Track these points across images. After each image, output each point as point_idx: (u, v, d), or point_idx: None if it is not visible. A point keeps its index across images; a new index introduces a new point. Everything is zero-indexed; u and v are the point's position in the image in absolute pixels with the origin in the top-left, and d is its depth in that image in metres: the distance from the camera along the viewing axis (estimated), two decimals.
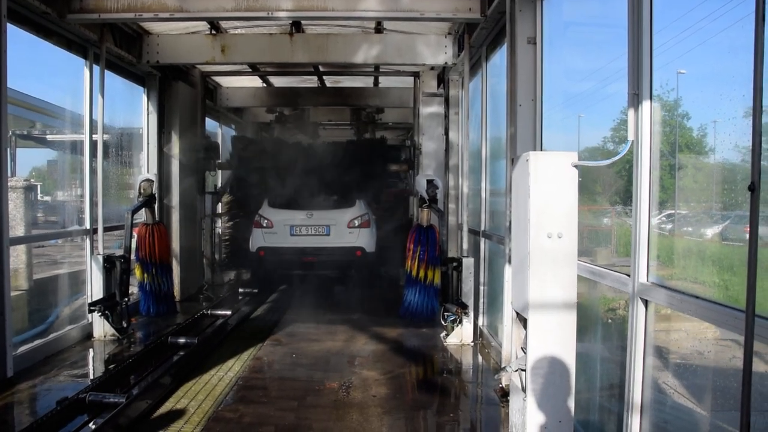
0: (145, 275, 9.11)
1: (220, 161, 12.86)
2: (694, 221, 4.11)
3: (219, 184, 13.37)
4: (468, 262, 7.82)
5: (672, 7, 4.00)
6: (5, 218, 5.96)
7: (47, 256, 12.16)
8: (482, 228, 7.99)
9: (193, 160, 11.36)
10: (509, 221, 5.67)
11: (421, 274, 8.96)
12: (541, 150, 5.46)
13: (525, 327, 3.78)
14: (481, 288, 8.06)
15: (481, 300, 8.07)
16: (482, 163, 7.99)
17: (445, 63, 9.33)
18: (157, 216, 9.80)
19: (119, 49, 8.68)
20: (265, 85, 13.66)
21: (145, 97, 10.10)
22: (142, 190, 8.78)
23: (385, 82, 13.56)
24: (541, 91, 5.47)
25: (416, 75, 11.70)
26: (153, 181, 8.80)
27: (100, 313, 7.60)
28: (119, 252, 8.27)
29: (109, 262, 7.90)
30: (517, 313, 3.92)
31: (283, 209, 12.09)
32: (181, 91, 10.60)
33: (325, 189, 12.08)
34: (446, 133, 10.30)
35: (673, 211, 4.26)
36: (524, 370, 3.78)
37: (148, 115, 10.12)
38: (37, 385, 6.11)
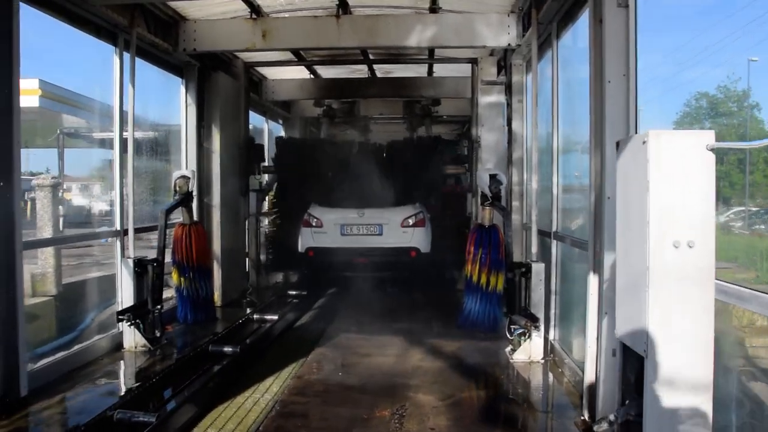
0: (182, 279, 8.47)
1: (264, 164, 12.12)
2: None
3: (264, 181, 12.66)
4: (538, 268, 6.85)
5: None
6: (17, 221, 5.32)
7: (91, 256, 11.75)
8: (553, 229, 7.01)
9: (236, 157, 10.68)
10: (594, 221, 4.71)
11: (483, 279, 8.03)
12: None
13: (637, 363, 2.84)
14: (552, 297, 7.07)
15: (552, 311, 7.09)
16: (552, 155, 7.00)
17: (508, 45, 8.35)
18: (195, 215, 9.20)
19: (153, 36, 8.03)
20: (312, 76, 12.92)
21: (183, 89, 9.46)
22: (177, 188, 8.12)
23: (439, 71, 12.64)
24: (635, 64, 4.48)
25: (474, 62, 10.76)
26: (189, 178, 8.12)
27: (129, 323, 6.94)
28: (153, 254, 7.63)
29: (140, 267, 7.24)
30: (624, 345, 2.98)
31: (334, 208, 11.36)
32: (222, 83, 9.92)
33: (377, 187, 11.30)
34: (509, 123, 9.31)
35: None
36: (637, 420, 2.84)
37: (186, 107, 9.47)
38: (52, 407, 5.45)
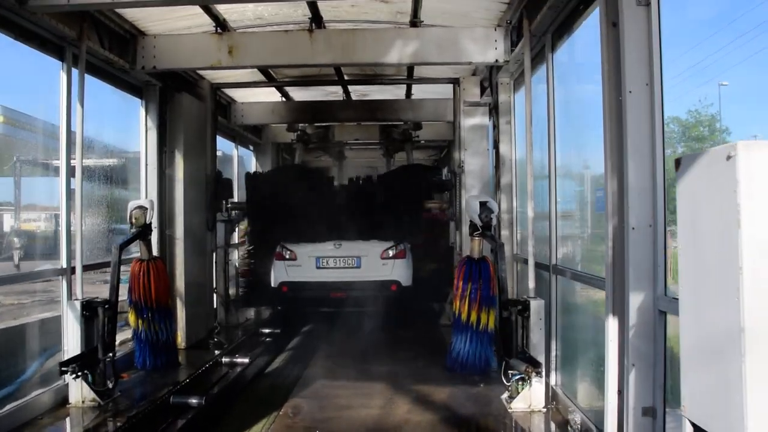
0: (140, 321, 7.60)
1: (233, 200, 11.30)
2: None
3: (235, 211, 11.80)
4: (537, 306, 6.15)
5: None
6: None
7: (46, 293, 10.77)
8: (552, 261, 6.32)
9: (203, 185, 9.88)
10: (613, 254, 4.02)
11: (473, 317, 7.31)
12: (663, 154, 3.82)
13: None
14: (553, 337, 6.35)
15: (553, 353, 6.36)
16: (549, 180, 6.34)
17: (495, 61, 7.75)
18: (155, 250, 8.38)
19: (108, 52, 7.27)
20: (283, 99, 12.22)
21: (142, 111, 8.68)
22: (134, 220, 7.30)
23: (418, 93, 12.04)
24: (660, 71, 3.85)
25: (455, 82, 10.17)
26: (147, 209, 7.29)
27: (74, 375, 6.04)
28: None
29: (89, 309, 6.37)
30: (696, 427, 2.26)
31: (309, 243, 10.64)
32: (186, 105, 9.16)
33: (354, 220, 10.58)
34: (495, 146, 8.68)
35: None
36: None
37: (146, 131, 8.68)
38: None
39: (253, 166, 15.08)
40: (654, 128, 3.81)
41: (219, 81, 10.35)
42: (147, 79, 8.37)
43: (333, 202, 10.79)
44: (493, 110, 8.73)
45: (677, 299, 3.74)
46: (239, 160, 14.28)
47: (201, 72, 9.86)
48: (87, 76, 7.14)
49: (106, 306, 6.47)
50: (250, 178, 11.52)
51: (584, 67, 6.06)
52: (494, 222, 7.08)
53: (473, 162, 9.70)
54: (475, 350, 7.37)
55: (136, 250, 7.83)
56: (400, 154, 16.19)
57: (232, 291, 11.75)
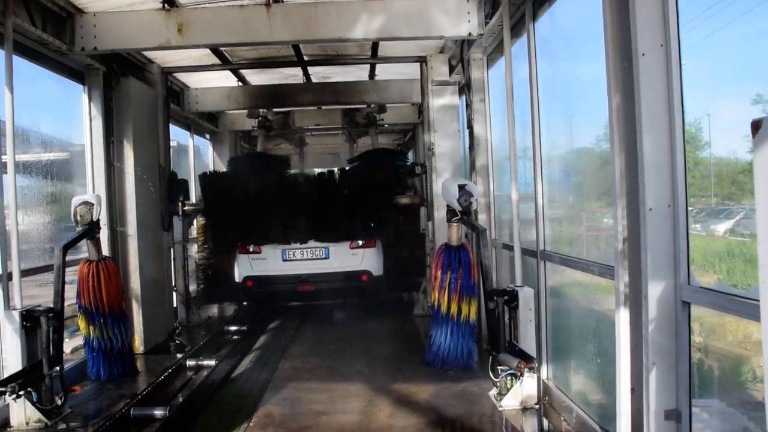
0: (91, 328, 6.93)
1: (190, 203, 10.43)
2: None
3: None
4: (526, 295, 5.70)
5: None
6: None
7: None
8: (540, 247, 5.87)
9: (156, 176, 9.18)
10: (626, 240, 3.57)
11: (453, 308, 6.84)
12: (683, 126, 3.37)
13: None
14: (543, 328, 5.92)
15: (544, 344, 5.94)
16: (535, 160, 5.87)
17: (469, 34, 7.24)
18: (106, 249, 7.71)
19: (41, 31, 6.53)
20: (240, 83, 11.53)
21: (85, 97, 7.93)
22: (78, 217, 6.61)
23: (382, 73, 11.48)
24: (677, 30, 3.38)
25: (423, 60, 9.65)
26: (93, 205, 6.60)
27: (13, 395, 5.37)
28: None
29: (30, 320, 5.69)
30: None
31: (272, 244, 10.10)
32: (134, 91, 8.43)
33: (320, 219, 10.03)
34: (469, 126, 8.19)
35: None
36: None
37: (90, 120, 7.93)
38: None
39: (210, 155, 14.35)
40: (671, 96, 3.35)
41: (170, 65, 9.62)
42: (89, 63, 7.63)
43: (296, 201, 10.12)
44: (465, 88, 8.23)
45: (705, 289, 3.34)
46: (195, 150, 13.54)
47: (149, 55, 9.14)
48: (20, 60, 6.46)
49: (50, 314, 5.80)
50: (206, 180, 10.66)
51: (572, 36, 5.59)
52: (474, 206, 6.61)
53: (444, 144, 9.23)
54: (456, 344, 6.92)
55: (86, 251, 7.15)
56: (363, 139, 15.72)
57: (192, 288, 11.10)
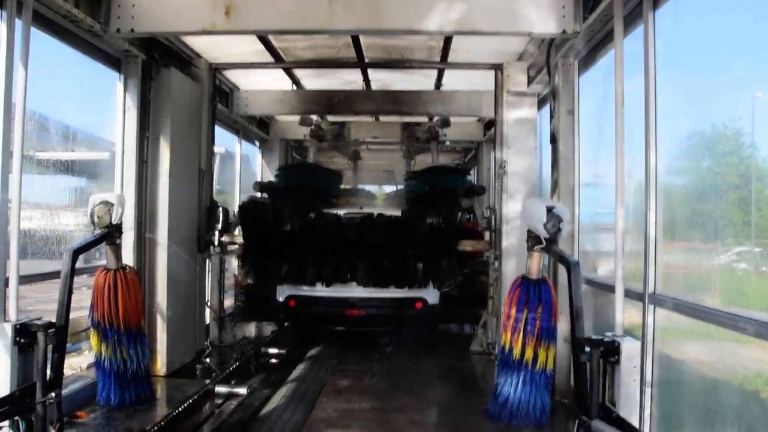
0: (103, 346, 6.01)
1: (225, 234, 9.03)
2: None
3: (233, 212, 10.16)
4: (631, 349, 4.50)
5: None
6: None
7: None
8: (648, 289, 4.68)
9: (195, 180, 8.32)
10: None
11: (529, 354, 5.66)
12: None
13: None
14: (648, 393, 4.70)
15: (647, 410, 4.71)
16: (647, 182, 4.71)
17: (563, 31, 6.14)
18: (131, 257, 6.85)
19: (74, 7, 5.72)
20: (294, 87, 10.65)
21: (120, 86, 7.10)
22: (96, 219, 5.74)
23: (449, 84, 10.45)
24: None
25: (498, 69, 8.56)
26: (113, 205, 5.72)
27: None
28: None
29: (25, 335, 4.79)
30: None
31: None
32: (176, 84, 7.60)
33: (372, 256, 8.93)
34: (553, 141, 7.06)
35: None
36: None
37: (124, 112, 7.10)
38: None
39: (258, 164, 13.53)
40: None
41: (219, 60, 8.79)
42: (126, 48, 6.81)
43: (346, 242, 8.86)
44: (551, 98, 7.11)
45: None
46: (243, 158, 12.73)
47: (197, 48, 8.34)
48: (48, 39, 5.67)
49: (50, 330, 4.88)
50: (246, 210, 9.31)
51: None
52: (563, 234, 5.44)
53: (518, 162, 8.12)
54: (528, 395, 5.72)
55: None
56: (421, 156, 14.69)
57: (228, 303, 10.16)
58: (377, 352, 9.33)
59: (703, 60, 4.79)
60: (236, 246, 9.27)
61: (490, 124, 12.60)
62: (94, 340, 6.07)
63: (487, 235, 8.75)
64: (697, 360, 4.83)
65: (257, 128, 12.43)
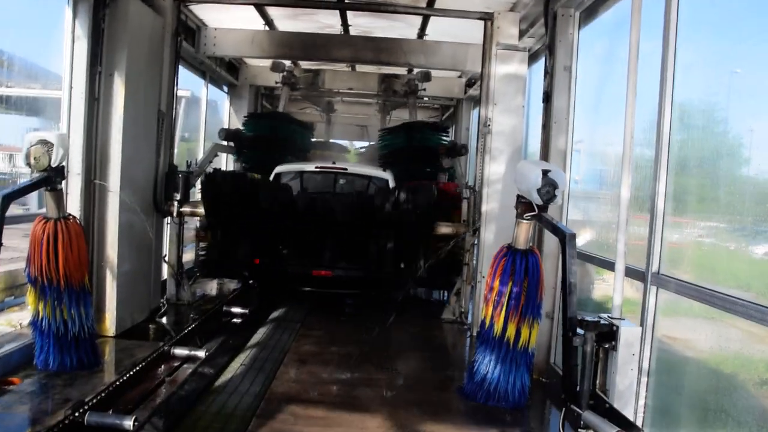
0: (41, 305, 5.39)
1: (188, 203, 8.36)
2: None
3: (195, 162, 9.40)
4: (630, 334, 4.02)
5: None
6: None
7: None
8: (652, 268, 4.21)
9: (154, 123, 7.61)
10: None
11: (511, 330, 5.21)
12: None
13: None
14: (644, 382, 4.27)
15: (641, 400, 4.29)
16: (658, 146, 4.19)
17: None
18: (75, 204, 6.18)
19: None
20: (267, 28, 9.85)
21: (69, 12, 6.30)
22: (32, 161, 5.05)
23: (433, 34, 9.77)
24: None
25: (488, 18, 7.96)
26: (52, 145, 5.03)
27: None
28: None
29: None
30: None
31: None
32: (133, 13, 6.81)
33: (344, 239, 8.37)
34: (547, 98, 6.50)
35: None
36: None
37: (73, 41, 6.31)
38: None
39: (226, 111, 12.74)
40: None
41: None
42: None
43: (317, 223, 8.24)
44: (547, 52, 6.52)
45: None
46: (209, 104, 11.93)
47: None
48: None
49: None
50: (208, 183, 8.34)
51: None
52: (559, 201, 4.93)
53: (504, 121, 7.60)
54: (508, 375, 5.31)
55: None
56: (397, 112, 14.07)
57: (187, 258, 9.51)
58: (343, 316, 8.87)
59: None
60: (195, 215, 8.57)
61: (471, 82, 12.02)
62: (30, 297, 5.44)
63: (464, 209, 8.25)
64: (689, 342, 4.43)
65: (226, 72, 11.63)
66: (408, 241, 8.22)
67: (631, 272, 4.36)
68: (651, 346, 4.21)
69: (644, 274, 4.28)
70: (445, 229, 8.29)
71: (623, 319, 4.14)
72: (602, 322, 4.14)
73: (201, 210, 8.25)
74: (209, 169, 9.01)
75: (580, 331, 4.21)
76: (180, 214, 8.22)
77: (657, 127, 4.21)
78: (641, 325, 4.18)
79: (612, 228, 6.29)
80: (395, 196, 8.12)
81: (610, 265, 4.61)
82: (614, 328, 4.05)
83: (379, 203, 8.14)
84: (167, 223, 8.48)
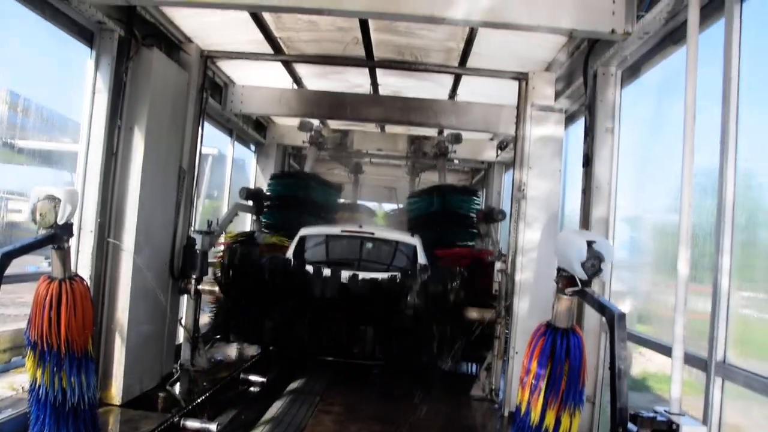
0: (39, 372, 4.99)
1: (206, 281, 7.99)
2: None
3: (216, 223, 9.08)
4: None
5: None
6: None
7: None
8: (715, 356, 3.68)
9: (173, 181, 7.36)
10: None
11: (549, 419, 4.62)
12: None
13: None
14: None
15: None
16: (723, 212, 3.73)
17: (612, 31, 5.14)
18: (86, 264, 5.86)
19: None
20: (295, 86, 9.69)
21: (91, 64, 6.13)
22: (38, 217, 4.75)
23: (465, 95, 9.52)
24: None
25: (522, 78, 7.67)
26: (59, 201, 4.73)
27: None
28: None
29: None
30: None
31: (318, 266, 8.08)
32: (159, 68, 6.65)
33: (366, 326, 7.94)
34: (586, 163, 6.11)
35: None
36: None
37: (93, 93, 6.13)
38: None
39: (252, 169, 12.55)
40: None
41: (212, 48, 7.84)
42: (100, 20, 5.85)
43: (337, 310, 7.69)
44: (586, 112, 6.16)
45: None
46: (236, 162, 11.76)
47: (188, 32, 7.42)
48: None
49: None
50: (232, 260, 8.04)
51: None
52: (607, 276, 4.45)
53: (539, 185, 7.19)
54: None
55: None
56: (426, 174, 13.75)
57: (204, 321, 9.09)
58: (365, 387, 8.33)
59: None
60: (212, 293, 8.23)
61: (503, 145, 11.70)
62: (29, 362, 5.03)
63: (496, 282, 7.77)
64: None
65: (253, 130, 11.49)
66: (436, 328, 7.72)
67: (689, 359, 3.83)
68: None
69: (707, 362, 3.74)
70: (474, 314, 7.78)
71: (683, 415, 3.60)
72: (659, 418, 3.59)
73: (218, 289, 7.93)
74: (221, 241, 8.77)
75: (632, 426, 3.66)
76: (197, 292, 7.88)
77: (718, 194, 3.75)
78: (705, 422, 3.62)
79: (653, 298, 5.80)
80: (421, 280, 7.67)
81: (663, 349, 4.08)
82: (674, 426, 3.50)
83: (405, 290, 7.68)
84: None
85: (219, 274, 8.05)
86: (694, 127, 3.75)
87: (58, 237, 4.87)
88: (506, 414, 7.07)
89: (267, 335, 7.80)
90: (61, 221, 4.76)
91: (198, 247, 7.99)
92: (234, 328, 8.13)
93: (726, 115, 3.77)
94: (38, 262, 6.81)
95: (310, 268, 7.95)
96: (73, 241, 5.68)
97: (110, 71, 6.13)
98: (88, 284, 5.32)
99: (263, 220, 10.49)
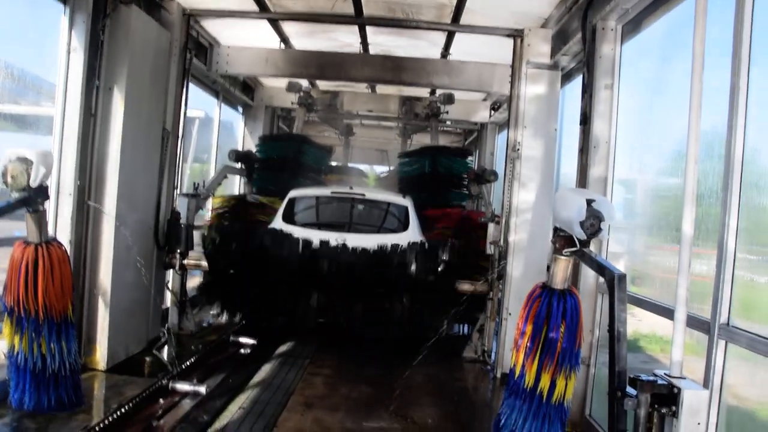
0: (17, 338, 4.82)
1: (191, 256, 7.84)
2: None
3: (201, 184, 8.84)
4: (695, 398, 3.35)
5: None
6: None
7: None
8: (719, 318, 3.55)
9: (157, 144, 7.12)
10: None
11: (544, 381, 4.50)
12: None
13: None
14: None
15: None
16: (731, 174, 3.56)
17: None
18: (66, 227, 5.66)
19: None
20: (283, 46, 9.38)
21: (65, 21, 5.83)
22: (9, 179, 4.53)
23: (458, 54, 9.23)
24: None
25: (518, 35, 7.44)
26: (31, 163, 4.50)
27: None
28: None
29: None
30: None
31: (308, 228, 7.94)
32: (138, 26, 6.36)
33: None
34: (584, 120, 5.90)
35: None
36: None
37: (69, 52, 5.83)
38: None
39: (240, 132, 12.28)
40: None
41: (194, 6, 7.53)
42: None
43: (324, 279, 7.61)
44: (585, 69, 5.93)
45: None
46: (223, 124, 11.46)
47: None
48: None
49: None
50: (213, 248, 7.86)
51: None
52: (606, 236, 4.29)
53: (534, 145, 7.04)
54: None
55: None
56: (418, 136, 13.55)
57: (192, 284, 8.94)
58: (354, 349, 8.25)
59: None
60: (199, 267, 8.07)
61: (496, 105, 11.47)
62: (6, 329, 4.87)
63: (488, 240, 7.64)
64: None
65: (241, 92, 11.18)
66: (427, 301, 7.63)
67: (692, 321, 3.69)
68: (718, 413, 3.53)
69: (710, 324, 3.61)
70: (466, 286, 7.64)
71: (684, 378, 3.47)
72: (659, 381, 3.46)
73: (205, 264, 7.77)
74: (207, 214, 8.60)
75: (630, 390, 3.54)
76: (183, 267, 7.71)
77: (726, 152, 3.57)
78: (706, 385, 3.50)
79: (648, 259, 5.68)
80: (413, 254, 7.54)
81: (665, 312, 3.95)
82: (675, 390, 3.37)
83: (395, 263, 7.54)
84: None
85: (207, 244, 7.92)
86: (702, 78, 3.55)
87: (31, 200, 4.65)
88: (498, 375, 7.00)
89: (251, 309, 7.77)
90: (34, 184, 4.54)
91: (184, 211, 7.83)
92: (221, 302, 8.08)
93: (736, 66, 3.56)
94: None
95: (297, 233, 7.78)
96: (50, 205, 5.53)
97: (86, 30, 5.82)
98: (67, 249, 5.14)
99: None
